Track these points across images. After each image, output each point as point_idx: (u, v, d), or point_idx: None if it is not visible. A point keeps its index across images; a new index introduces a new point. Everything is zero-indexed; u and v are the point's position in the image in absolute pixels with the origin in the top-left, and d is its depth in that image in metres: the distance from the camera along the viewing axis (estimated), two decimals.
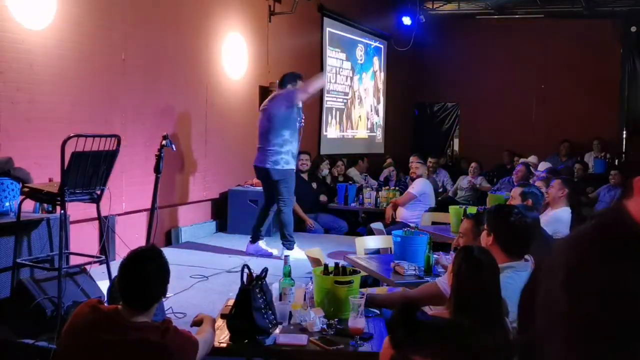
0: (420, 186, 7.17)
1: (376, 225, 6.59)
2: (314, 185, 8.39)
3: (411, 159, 8.55)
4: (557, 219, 5.26)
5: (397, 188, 8.37)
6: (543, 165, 8.27)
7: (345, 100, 11.55)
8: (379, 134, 13.24)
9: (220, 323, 3.06)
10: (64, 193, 3.97)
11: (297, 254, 5.86)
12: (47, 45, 5.27)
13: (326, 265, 3.32)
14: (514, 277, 2.89)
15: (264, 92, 8.65)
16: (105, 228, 4.59)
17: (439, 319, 1.33)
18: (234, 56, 8.07)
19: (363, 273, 3.43)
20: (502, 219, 3.04)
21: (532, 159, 9.55)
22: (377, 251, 5.18)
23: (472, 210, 5.71)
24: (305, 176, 8.31)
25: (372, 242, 5.24)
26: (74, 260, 4.56)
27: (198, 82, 7.39)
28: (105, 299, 3.97)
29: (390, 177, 9.30)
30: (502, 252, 2.97)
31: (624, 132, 13.21)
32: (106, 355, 2.28)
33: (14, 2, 4.94)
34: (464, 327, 1.42)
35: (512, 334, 2.74)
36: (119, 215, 5.92)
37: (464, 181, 9.72)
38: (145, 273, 2.39)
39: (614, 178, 8.34)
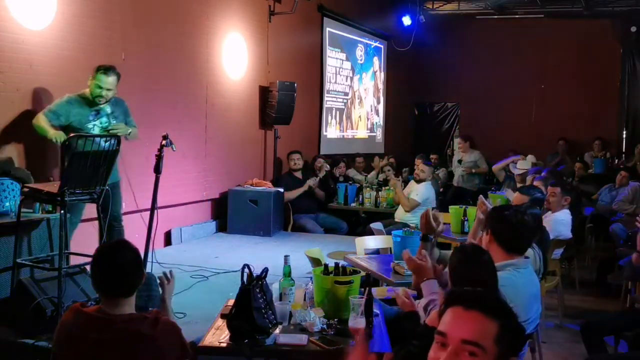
0: (424, 192, 7.17)
1: (376, 225, 6.59)
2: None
3: (416, 161, 8.58)
4: (559, 222, 5.27)
5: None
6: (522, 164, 8.17)
7: (345, 100, 11.55)
8: (379, 134, 13.24)
9: (220, 323, 3.06)
10: (64, 193, 3.97)
11: None
12: (47, 45, 5.27)
13: (326, 265, 3.32)
14: (514, 274, 2.90)
15: (264, 92, 8.66)
16: (106, 228, 4.59)
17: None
18: (234, 56, 8.07)
19: (363, 273, 3.43)
20: (499, 218, 3.05)
21: (530, 158, 9.55)
22: (377, 251, 5.19)
23: (472, 211, 5.72)
24: (299, 174, 8.32)
25: (372, 242, 5.24)
26: (74, 260, 4.56)
27: (198, 82, 7.39)
28: None
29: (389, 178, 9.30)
30: (502, 250, 2.98)
31: (624, 132, 13.21)
32: (100, 354, 2.28)
33: (14, 2, 4.94)
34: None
35: None
36: None
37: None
38: (120, 260, 2.42)
39: (621, 179, 8.26)
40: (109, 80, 4.82)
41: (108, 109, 4.96)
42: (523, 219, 3.05)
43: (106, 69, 4.83)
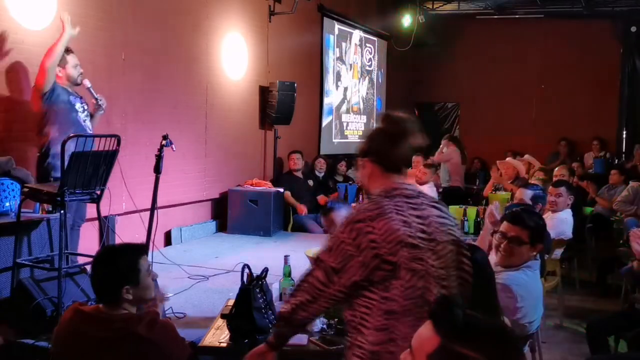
0: (432, 195, 7.25)
1: None
2: (310, 182, 8.40)
3: (414, 159, 8.55)
4: (562, 222, 5.28)
5: None
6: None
7: (345, 100, 11.55)
8: None
9: (220, 323, 3.06)
10: (63, 193, 3.97)
11: None
12: (47, 45, 5.25)
13: None
14: (527, 274, 2.92)
15: (264, 92, 8.66)
16: (105, 228, 4.59)
17: (485, 318, 1.35)
18: (234, 56, 8.07)
19: None
20: (543, 228, 3.05)
21: (527, 157, 9.54)
22: None
23: (472, 211, 5.73)
24: (299, 174, 8.33)
25: None
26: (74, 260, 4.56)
27: (198, 82, 7.39)
28: None
29: None
30: (531, 254, 2.99)
31: (624, 132, 13.21)
32: (97, 352, 2.28)
33: (14, 2, 4.94)
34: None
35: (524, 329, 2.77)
36: (119, 215, 5.92)
37: None
38: (103, 268, 2.39)
39: (613, 177, 8.28)
40: (75, 56, 4.87)
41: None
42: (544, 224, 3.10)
43: (67, 49, 4.80)
